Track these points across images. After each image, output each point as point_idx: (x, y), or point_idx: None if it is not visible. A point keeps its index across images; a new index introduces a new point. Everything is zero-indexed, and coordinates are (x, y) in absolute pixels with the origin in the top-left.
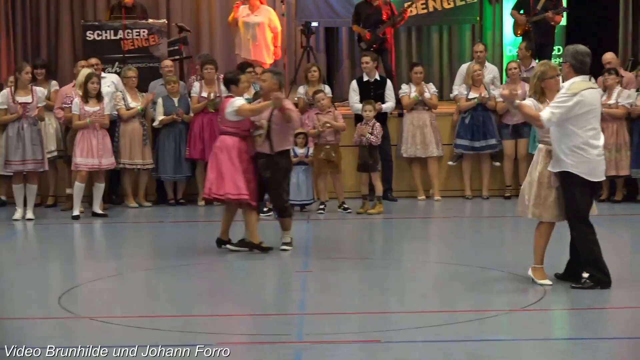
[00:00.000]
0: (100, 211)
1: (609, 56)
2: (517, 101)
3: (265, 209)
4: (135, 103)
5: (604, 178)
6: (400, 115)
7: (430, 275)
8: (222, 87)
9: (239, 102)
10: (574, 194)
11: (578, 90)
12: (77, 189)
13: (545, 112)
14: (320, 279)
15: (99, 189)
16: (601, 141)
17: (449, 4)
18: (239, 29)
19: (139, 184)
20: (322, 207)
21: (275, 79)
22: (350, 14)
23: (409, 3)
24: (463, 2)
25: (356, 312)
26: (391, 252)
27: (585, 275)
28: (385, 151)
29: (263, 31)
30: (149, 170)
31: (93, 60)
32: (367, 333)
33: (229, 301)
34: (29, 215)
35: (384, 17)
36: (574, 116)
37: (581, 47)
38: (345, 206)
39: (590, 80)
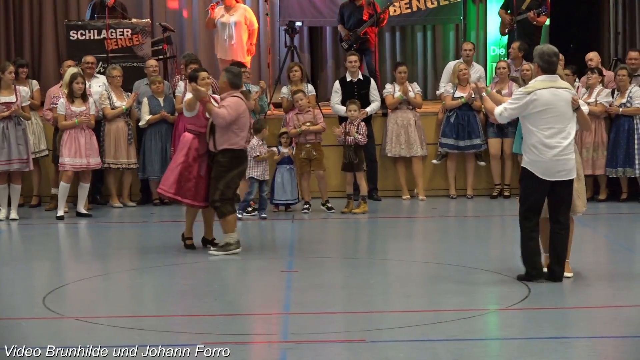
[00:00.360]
0: (84, 211)
1: (590, 55)
2: (484, 94)
3: (249, 208)
4: (120, 102)
5: (567, 178)
6: (385, 114)
7: (415, 275)
8: None
9: (186, 97)
10: (525, 189)
11: (534, 89)
12: (63, 189)
13: (499, 107)
14: (305, 279)
15: (84, 189)
16: (566, 141)
17: (432, 3)
18: (216, 30)
19: (123, 184)
20: (306, 206)
21: (225, 77)
22: (334, 13)
23: (388, 3)
24: (447, 2)
25: (341, 311)
26: (376, 251)
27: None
28: (369, 151)
29: (240, 30)
30: (134, 170)
31: (89, 59)
32: (352, 332)
33: (213, 301)
34: (13, 215)
35: (365, 17)
36: (530, 114)
37: (547, 48)
38: (329, 205)
39: (574, 81)
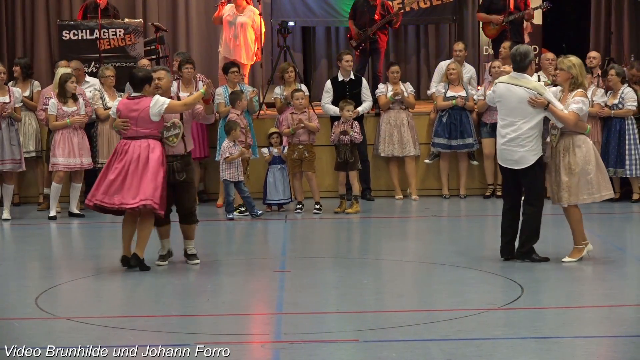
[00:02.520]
0: (77, 211)
1: (592, 54)
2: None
3: (242, 209)
4: (113, 102)
5: (513, 167)
6: (377, 114)
7: (408, 275)
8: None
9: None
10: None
11: (498, 82)
12: (55, 189)
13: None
14: (297, 279)
15: (76, 189)
16: (514, 134)
17: (425, 3)
18: (222, 27)
19: None
20: (299, 206)
21: (170, 77)
22: (327, 13)
23: (402, 6)
24: (439, 2)
25: (334, 311)
26: (369, 251)
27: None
28: (361, 151)
29: (245, 31)
30: None
31: (73, 64)
32: (345, 332)
33: (206, 301)
34: (6, 215)
35: (377, 17)
36: (495, 104)
37: (515, 49)
38: (317, 206)
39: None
